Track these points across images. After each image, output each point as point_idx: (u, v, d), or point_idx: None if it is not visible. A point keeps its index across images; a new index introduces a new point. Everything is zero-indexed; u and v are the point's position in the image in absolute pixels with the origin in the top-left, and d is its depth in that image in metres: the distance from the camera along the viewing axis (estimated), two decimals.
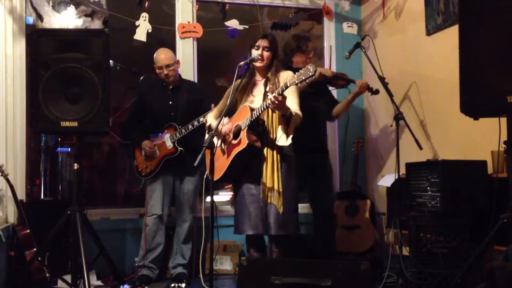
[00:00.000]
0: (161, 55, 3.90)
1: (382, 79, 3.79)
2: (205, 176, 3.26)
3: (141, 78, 4.27)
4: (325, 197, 3.93)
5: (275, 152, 2.96)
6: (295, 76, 2.72)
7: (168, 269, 4.02)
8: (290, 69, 3.64)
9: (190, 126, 3.83)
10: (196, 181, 4.00)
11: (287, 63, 3.78)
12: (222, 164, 3.09)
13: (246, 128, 2.93)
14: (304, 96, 3.63)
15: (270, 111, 2.98)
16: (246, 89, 3.18)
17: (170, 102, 3.94)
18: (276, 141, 2.98)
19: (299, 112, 3.02)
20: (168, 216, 3.99)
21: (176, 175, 3.96)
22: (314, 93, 3.84)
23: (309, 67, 2.67)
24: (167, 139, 3.88)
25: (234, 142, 3.04)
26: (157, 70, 3.93)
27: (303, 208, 4.24)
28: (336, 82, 4.02)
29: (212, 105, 3.69)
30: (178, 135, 3.84)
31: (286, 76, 3.06)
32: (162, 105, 3.94)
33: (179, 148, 3.85)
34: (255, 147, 2.95)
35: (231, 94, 3.03)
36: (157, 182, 3.92)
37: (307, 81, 2.73)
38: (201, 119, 3.79)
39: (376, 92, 4.01)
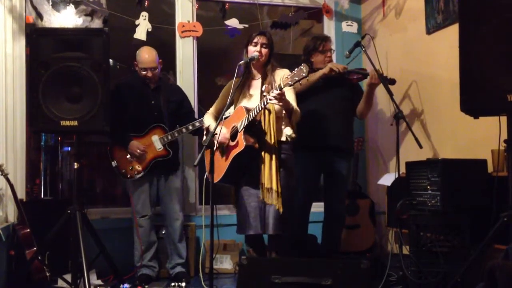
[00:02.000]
0: (146, 55, 3.80)
1: (382, 78, 3.78)
2: (205, 177, 3.25)
3: (122, 79, 4.19)
4: (333, 198, 3.85)
5: (273, 152, 2.96)
6: (289, 77, 2.74)
7: (164, 269, 4.03)
8: (311, 70, 3.63)
9: (184, 130, 3.82)
10: (181, 178, 4.01)
11: (307, 64, 3.78)
12: (221, 166, 3.10)
13: (243, 129, 2.93)
14: (313, 91, 3.64)
15: (266, 111, 2.98)
16: (243, 87, 3.19)
17: (153, 102, 3.89)
18: (284, 136, 3.00)
19: (297, 109, 3.04)
20: (156, 215, 3.98)
21: (159, 175, 3.93)
22: (326, 89, 3.78)
23: (302, 67, 2.70)
24: (156, 141, 3.84)
25: (231, 144, 3.04)
26: (142, 72, 3.83)
27: (315, 207, 4.20)
28: (349, 77, 3.86)
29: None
30: (169, 137, 3.82)
31: (282, 74, 3.07)
32: (145, 104, 3.87)
33: (170, 150, 3.83)
34: (253, 148, 2.95)
35: (230, 93, 3.04)
36: (143, 183, 3.88)
37: (300, 82, 2.75)
38: (196, 124, 3.80)
39: (392, 81, 3.79)
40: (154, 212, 3.98)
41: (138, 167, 3.84)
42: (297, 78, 2.71)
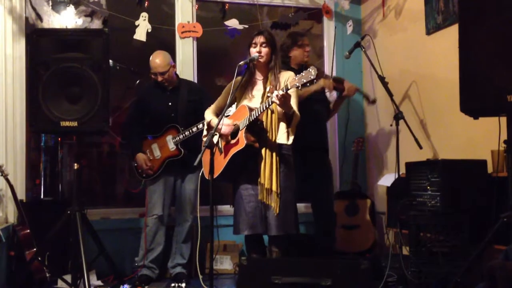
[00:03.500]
0: (156, 60, 3.85)
1: (382, 79, 3.78)
2: (200, 174, 3.26)
3: (137, 82, 4.23)
4: (325, 195, 3.94)
5: (274, 152, 2.96)
6: (296, 78, 2.71)
7: (167, 269, 4.03)
8: (288, 66, 3.66)
9: (194, 129, 3.83)
10: (197, 180, 4.00)
11: (285, 60, 3.80)
12: (219, 163, 3.09)
13: (245, 128, 2.93)
14: (309, 95, 3.66)
15: (269, 111, 2.98)
16: (246, 87, 3.18)
17: (170, 103, 3.93)
18: (277, 139, 2.98)
19: (298, 113, 3.03)
20: (168, 216, 3.99)
21: (177, 175, 3.96)
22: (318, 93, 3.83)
23: (310, 70, 2.65)
24: (169, 141, 3.87)
25: (232, 141, 3.04)
26: (152, 76, 3.90)
27: (303, 207, 4.24)
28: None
29: None
30: (181, 137, 3.84)
31: (287, 76, 3.05)
32: (162, 106, 3.92)
33: (182, 150, 3.85)
34: (253, 147, 2.95)
35: (231, 92, 3.02)
36: (158, 182, 3.91)
37: (308, 84, 2.72)
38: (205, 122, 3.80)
39: (373, 102, 4.10)
40: (169, 212, 3.99)
41: (152, 167, 3.88)
42: (304, 80, 2.67)
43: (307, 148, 3.71)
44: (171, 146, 3.87)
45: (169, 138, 3.88)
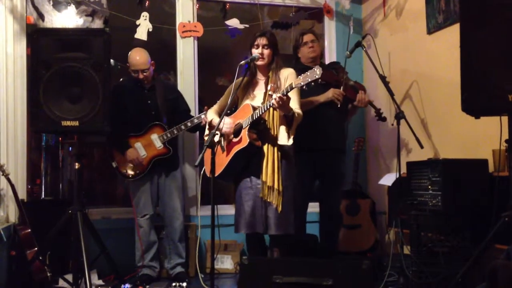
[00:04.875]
0: (136, 57, 3.82)
1: (383, 78, 3.78)
2: (201, 172, 3.26)
3: (120, 80, 4.19)
4: (332, 196, 3.86)
5: (275, 151, 2.96)
6: (301, 77, 2.73)
7: (166, 270, 4.03)
8: (299, 64, 3.67)
9: (182, 127, 3.82)
10: (181, 176, 4.03)
11: (297, 60, 3.89)
12: (221, 161, 3.10)
13: (248, 127, 2.94)
14: (314, 89, 3.64)
15: (271, 110, 2.99)
16: (248, 87, 3.18)
17: (149, 102, 3.91)
18: (279, 140, 2.99)
19: (300, 112, 3.03)
20: (156, 215, 3.98)
21: (160, 173, 3.93)
22: (321, 93, 3.75)
23: (315, 69, 2.67)
24: (156, 139, 3.84)
25: (234, 140, 3.04)
26: (132, 74, 3.86)
27: (312, 207, 4.20)
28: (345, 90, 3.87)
29: (206, 107, 3.75)
30: (169, 135, 3.83)
31: (287, 74, 3.07)
32: (141, 105, 3.89)
33: (170, 148, 3.83)
34: (255, 146, 2.96)
35: (232, 92, 3.04)
36: (144, 182, 3.88)
37: (312, 83, 2.73)
38: (195, 120, 3.81)
39: (383, 119, 3.90)
40: (155, 211, 3.98)
41: (139, 167, 3.84)
42: (309, 79, 2.69)
43: (317, 149, 3.69)
44: (158, 144, 3.84)
45: (154, 136, 3.85)
